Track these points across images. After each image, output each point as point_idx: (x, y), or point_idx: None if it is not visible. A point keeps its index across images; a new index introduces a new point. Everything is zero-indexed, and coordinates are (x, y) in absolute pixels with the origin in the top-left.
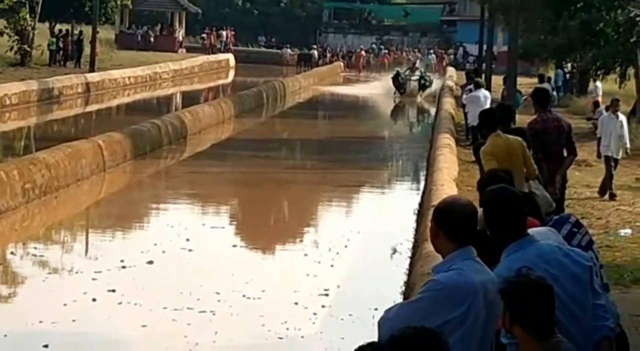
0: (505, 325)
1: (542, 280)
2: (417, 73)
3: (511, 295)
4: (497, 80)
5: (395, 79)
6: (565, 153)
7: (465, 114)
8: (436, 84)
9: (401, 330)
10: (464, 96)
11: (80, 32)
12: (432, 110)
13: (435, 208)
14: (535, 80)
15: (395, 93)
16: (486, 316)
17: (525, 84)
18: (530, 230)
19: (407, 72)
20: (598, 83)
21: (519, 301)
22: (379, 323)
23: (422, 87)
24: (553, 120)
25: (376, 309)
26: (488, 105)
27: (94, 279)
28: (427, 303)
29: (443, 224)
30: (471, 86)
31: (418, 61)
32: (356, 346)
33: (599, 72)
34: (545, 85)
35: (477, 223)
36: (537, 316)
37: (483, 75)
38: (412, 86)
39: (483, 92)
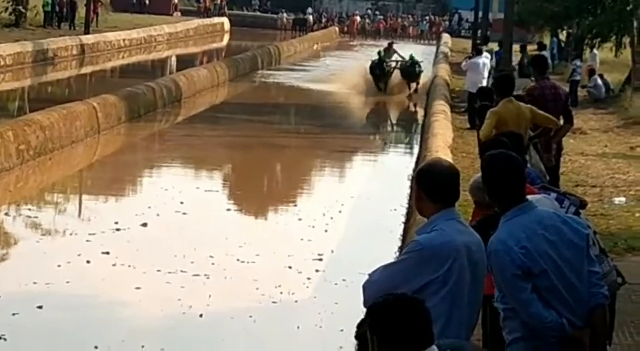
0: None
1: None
2: (396, 57)
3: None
4: (493, 47)
5: (377, 67)
6: (562, 122)
7: None
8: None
9: (381, 298)
10: (465, 63)
11: None
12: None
13: (417, 171)
14: (531, 47)
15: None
16: (471, 277)
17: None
18: (528, 197)
19: (387, 56)
20: (595, 51)
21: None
22: (364, 286)
23: (411, 75)
24: (551, 88)
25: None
26: (487, 72)
27: (88, 241)
28: (409, 265)
29: (426, 186)
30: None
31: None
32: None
33: (595, 41)
34: (545, 53)
35: (459, 185)
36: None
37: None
38: (395, 77)
39: (483, 59)
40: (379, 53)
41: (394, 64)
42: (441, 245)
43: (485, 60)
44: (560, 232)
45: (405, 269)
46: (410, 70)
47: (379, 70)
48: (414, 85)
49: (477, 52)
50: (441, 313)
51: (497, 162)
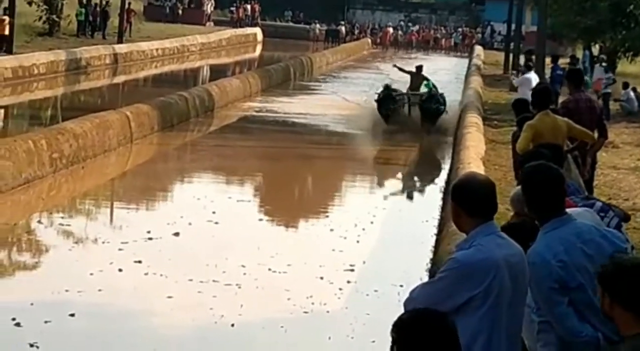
0: (605, 308)
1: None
2: (423, 88)
3: (609, 278)
4: (546, 62)
5: (385, 99)
6: (596, 134)
7: None
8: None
9: (406, 313)
10: (514, 79)
11: (107, 3)
12: None
13: (453, 186)
14: (564, 60)
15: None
16: (512, 289)
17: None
18: (568, 210)
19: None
20: (604, 64)
21: (617, 282)
22: (405, 304)
23: (432, 112)
24: (586, 101)
25: (401, 286)
26: None
27: (120, 249)
28: (448, 282)
29: (463, 202)
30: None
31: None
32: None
33: (627, 54)
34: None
35: (496, 198)
36: (637, 295)
37: (511, 55)
38: (412, 112)
39: (534, 75)
40: (386, 86)
41: (405, 98)
42: (479, 261)
43: (536, 76)
44: (599, 246)
45: (444, 287)
46: (425, 106)
47: (384, 109)
48: (430, 124)
49: (527, 68)
50: (483, 328)
51: (536, 173)
